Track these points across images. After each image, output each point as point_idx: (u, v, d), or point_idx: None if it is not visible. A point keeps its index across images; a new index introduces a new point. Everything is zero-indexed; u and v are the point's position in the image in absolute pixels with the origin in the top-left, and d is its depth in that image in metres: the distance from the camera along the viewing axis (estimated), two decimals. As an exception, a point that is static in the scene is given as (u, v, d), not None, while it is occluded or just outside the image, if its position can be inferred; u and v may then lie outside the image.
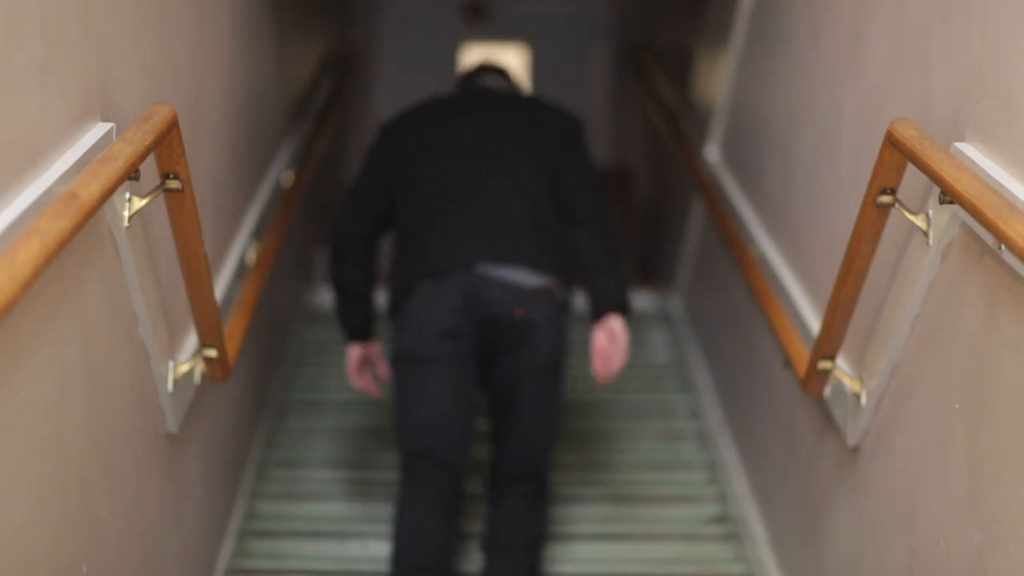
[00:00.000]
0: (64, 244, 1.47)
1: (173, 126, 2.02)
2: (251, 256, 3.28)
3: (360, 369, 3.38)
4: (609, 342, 3.17)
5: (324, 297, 5.29)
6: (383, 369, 3.40)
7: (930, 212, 2.06)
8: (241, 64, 3.25)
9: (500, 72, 3.47)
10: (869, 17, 2.53)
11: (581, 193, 3.19)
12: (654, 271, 5.76)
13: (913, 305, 2.15)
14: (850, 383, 2.44)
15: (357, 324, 3.33)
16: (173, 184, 2.10)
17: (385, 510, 3.67)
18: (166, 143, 2.03)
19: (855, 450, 2.49)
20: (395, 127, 3.28)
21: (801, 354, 2.72)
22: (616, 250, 3.19)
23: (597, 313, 3.17)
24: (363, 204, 3.26)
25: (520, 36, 8.53)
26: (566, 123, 3.28)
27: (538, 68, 8.42)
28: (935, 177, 1.84)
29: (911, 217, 2.09)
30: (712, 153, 4.24)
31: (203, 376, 2.62)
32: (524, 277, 3.09)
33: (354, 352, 3.37)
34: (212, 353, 2.54)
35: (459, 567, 3.37)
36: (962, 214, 1.92)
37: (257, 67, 3.53)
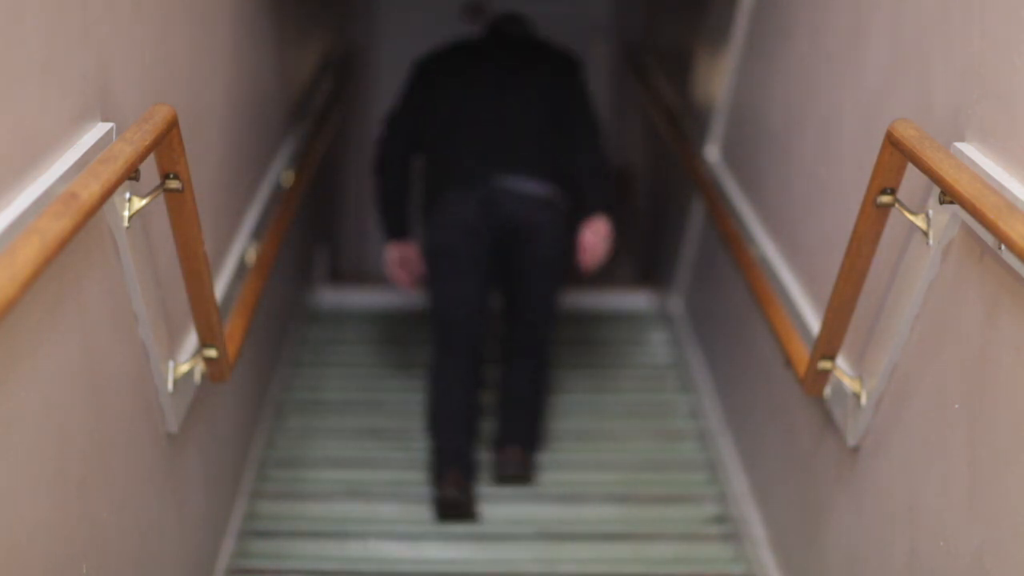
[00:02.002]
0: (64, 244, 1.47)
1: (173, 126, 2.02)
2: (251, 256, 3.28)
3: (399, 266, 4.06)
4: (593, 236, 3.93)
5: (324, 297, 5.30)
6: (417, 266, 4.06)
7: (930, 212, 2.06)
8: (241, 64, 3.25)
9: (517, 20, 4.19)
10: (869, 17, 2.53)
11: (577, 122, 3.94)
12: (654, 271, 5.76)
13: (913, 305, 2.15)
14: (850, 383, 2.44)
15: (396, 224, 4.02)
16: (173, 184, 2.10)
17: (385, 510, 3.67)
18: (166, 143, 2.03)
19: (855, 450, 2.49)
20: (427, 64, 4.01)
21: (801, 354, 2.72)
22: (603, 169, 3.96)
23: (585, 214, 3.93)
24: (401, 127, 3.98)
25: (520, 36, 8.51)
26: (567, 63, 4.02)
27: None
28: (935, 177, 1.84)
29: (911, 217, 2.09)
30: (712, 153, 4.24)
31: (203, 376, 2.62)
32: (531, 187, 3.83)
33: (394, 251, 4.06)
34: (212, 353, 2.54)
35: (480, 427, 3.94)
36: (962, 214, 1.92)
37: (257, 66, 3.53)
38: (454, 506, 3.61)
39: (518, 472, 3.83)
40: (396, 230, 4.02)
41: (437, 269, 3.87)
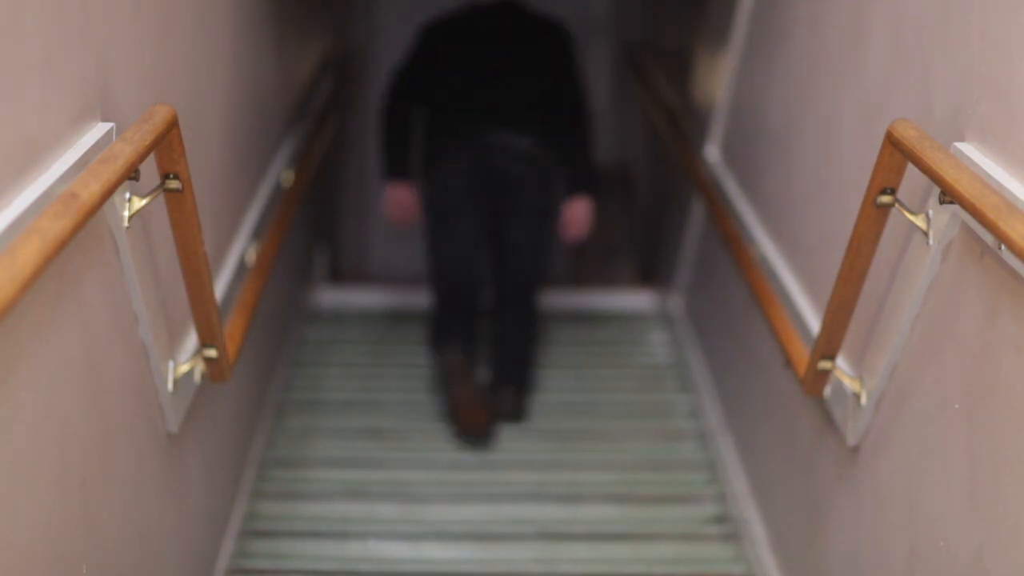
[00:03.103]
0: (64, 244, 1.47)
1: (173, 126, 2.02)
2: (251, 256, 3.28)
3: (397, 205, 4.39)
4: (574, 215, 4.32)
5: (324, 297, 5.30)
6: (413, 205, 4.38)
7: (930, 212, 2.06)
8: (241, 63, 3.25)
9: None
10: (869, 17, 2.53)
11: (563, 90, 4.29)
12: (654, 271, 5.76)
13: (913, 305, 2.15)
14: (850, 383, 2.44)
15: (397, 165, 4.37)
16: (173, 184, 2.10)
17: (385, 510, 3.67)
18: (166, 143, 2.03)
19: (855, 450, 2.49)
20: (432, 28, 4.34)
21: (801, 354, 2.72)
22: (586, 141, 4.30)
23: (568, 192, 4.32)
24: (407, 80, 4.34)
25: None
26: (559, 35, 4.32)
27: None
28: (935, 177, 1.84)
29: (911, 217, 2.09)
30: (712, 153, 4.23)
31: (203, 376, 2.62)
32: (519, 141, 4.22)
33: (393, 191, 4.38)
34: (212, 353, 2.54)
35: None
36: (962, 214, 1.92)
37: (257, 66, 3.53)
38: (476, 417, 4.02)
39: (509, 408, 4.18)
40: (397, 170, 4.36)
41: (436, 224, 4.26)
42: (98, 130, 1.91)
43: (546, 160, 4.25)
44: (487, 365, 4.36)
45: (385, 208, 4.43)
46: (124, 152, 1.78)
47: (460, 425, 4.02)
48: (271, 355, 4.11)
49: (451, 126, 4.25)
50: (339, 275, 6.12)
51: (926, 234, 2.07)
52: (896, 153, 2.03)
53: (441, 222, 4.25)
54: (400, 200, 4.38)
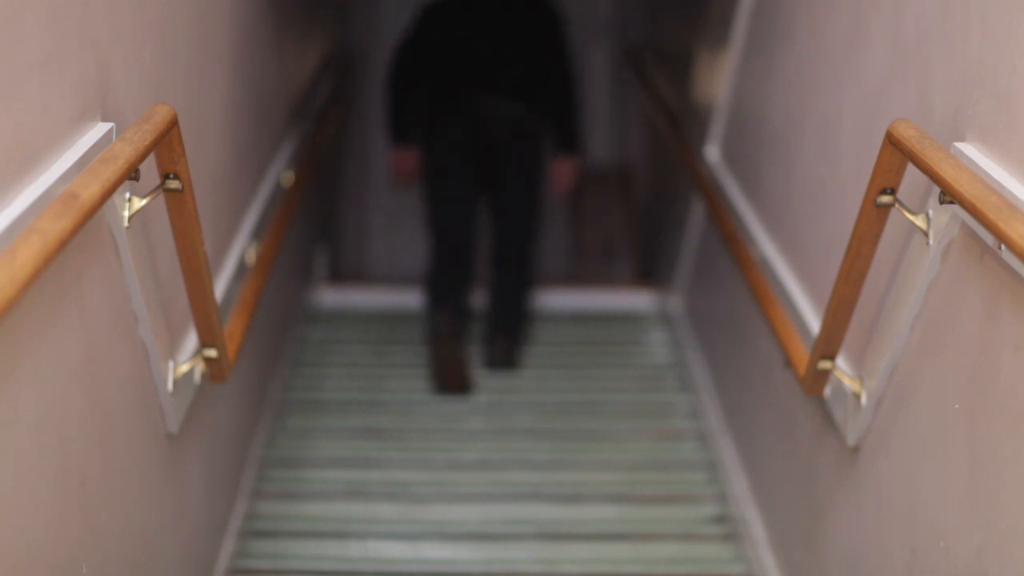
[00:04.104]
0: (64, 244, 1.47)
1: (173, 126, 2.02)
2: (251, 256, 3.28)
3: (401, 165, 4.84)
4: (561, 172, 4.86)
5: (324, 297, 5.30)
6: (415, 166, 4.81)
7: (930, 212, 2.06)
8: (241, 63, 3.25)
9: None
10: (869, 17, 2.53)
11: (551, 61, 4.73)
12: (654, 271, 5.76)
13: (913, 305, 2.15)
14: (850, 383, 2.44)
15: (401, 130, 4.82)
16: (173, 184, 2.10)
17: (385, 510, 3.67)
18: (166, 143, 2.02)
19: (855, 450, 2.49)
20: (431, 6, 4.74)
21: (801, 354, 2.72)
22: (572, 106, 4.80)
23: (555, 151, 4.85)
24: (410, 53, 4.75)
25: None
26: (551, 16, 4.74)
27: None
28: (935, 177, 1.84)
29: (911, 217, 2.09)
30: (712, 153, 4.23)
31: (203, 376, 2.62)
32: (510, 107, 4.66)
33: (399, 153, 4.84)
34: (212, 353, 2.54)
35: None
36: (962, 214, 1.92)
37: (257, 66, 3.53)
38: (456, 374, 4.47)
39: (504, 356, 4.65)
40: (401, 134, 4.82)
41: (434, 180, 4.71)
42: (98, 130, 1.91)
43: (536, 124, 4.70)
44: (482, 323, 4.85)
45: (391, 169, 4.92)
46: (124, 152, 1.77)
47: (441, 380, 4.47)
48: (271, 355, 4.11)
49: (449, 94, 4.65)
50: (339, 275, 6.12)
51: (926, 234, 2.07)
52: (896, 153, 2.02)
53: (439, 181, 4.68)
54: (404, 161, 4.83)
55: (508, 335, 4.71)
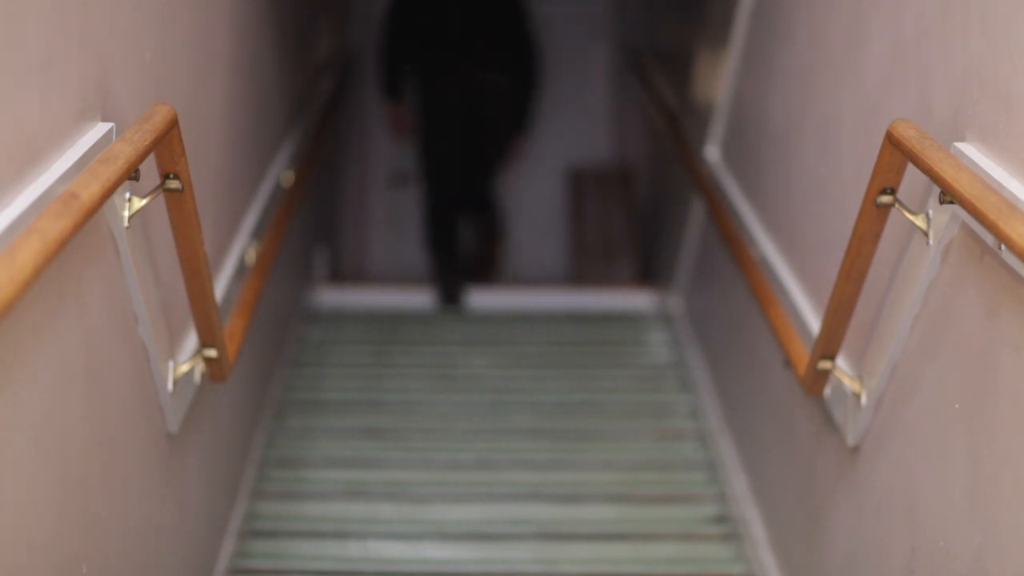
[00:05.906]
0: (64, 244, 1.47)
1: (173, 126, 2.02)
2: (251, 256, 3.28)
3: (396, 120, 5.96)
4: (516, 146, 6.08)
5: (324, 297, 5.30)
6: (407, 120, 5.93)
7: (930, 212, 2.06)
8: (242, 63, 3.25)
9: None
10: (869, 17, 2.53)
11: (514, 48, 5.75)
12: (654, 271, 5.76)
13: (913, 305, 2.15)
14: (850, 383, 2.44)
15: (394, 88, 5.81)
16: (173, 184, 2.10)
17: (385, 510, 3.68)
18: (166, 143, 2.02)
19: (855, 450, 2.49)
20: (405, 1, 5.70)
21: (801, 354, 2.72)
22: (533, 88, 5.86)
23: (513, 126, 5.93)
24: (397, 35, 5.68)
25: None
26: (512, 4, 5.70)
27: (538, 68, 8.40)
28: (935, 177, 1.84)
29: (911, 217, 2.09)
30: (712, 153, 4.23)
31: (203, 376, 2.62)
32: (495, 77, 5.68)
33: (393, 108, 5.92)
34: (212, 353, 2.54)
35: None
36: (962, 214, 1.92)
37: (257, 66, 3.53)
38: (453, 296, 5.49)
39: (480, 249, 6.21)
40: (394, 92, 5.81)
41: (429, 134, 5.70)
42: (98, 130, 1.91)
43: (511, 91, 5.75)
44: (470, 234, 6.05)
45: (386, 122, 6.11)
46: (124, 152, 1.78)
47: (443, 294, 5.48)
48: (271, 355, 4.11)
49: (438, 66, 5.63)
50: (339, 275, 6.12)
51: (926, 234, 2.07)
52: (896, 153, 2.03)
53: (434, 134, 5.69)
54: (398, 115, 5.91)
55: (483, 237, 6.20)
